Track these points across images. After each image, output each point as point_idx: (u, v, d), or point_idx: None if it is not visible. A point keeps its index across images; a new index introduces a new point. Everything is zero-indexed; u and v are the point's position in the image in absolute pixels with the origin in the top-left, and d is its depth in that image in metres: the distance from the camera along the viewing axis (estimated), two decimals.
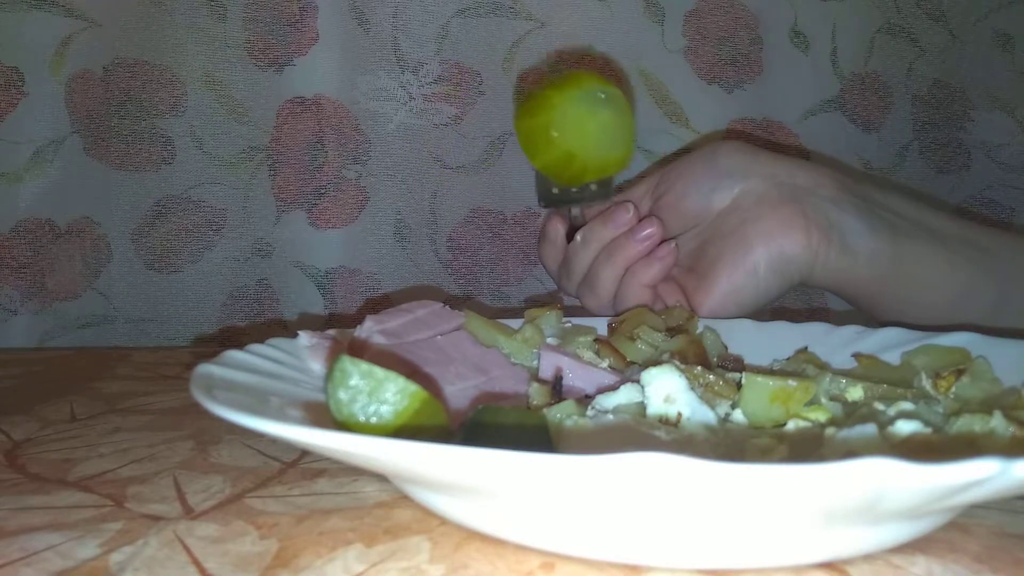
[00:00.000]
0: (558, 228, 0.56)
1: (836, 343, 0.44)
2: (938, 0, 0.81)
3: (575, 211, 0.55)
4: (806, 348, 0.43)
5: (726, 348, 0.45)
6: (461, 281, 0.78)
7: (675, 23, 0.78)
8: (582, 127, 0.49)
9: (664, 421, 0.31)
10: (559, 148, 0.49)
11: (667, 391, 0.31)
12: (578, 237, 0.54)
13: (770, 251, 0.50)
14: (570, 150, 0.49)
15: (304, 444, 0.24)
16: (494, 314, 0.48)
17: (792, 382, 0.32)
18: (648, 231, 0.52)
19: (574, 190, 0.52)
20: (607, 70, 0.77)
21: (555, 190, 0.53)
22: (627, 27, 0.77)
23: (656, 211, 0.54)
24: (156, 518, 0.29)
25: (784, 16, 0.79)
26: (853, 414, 0.33)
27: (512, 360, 0.42)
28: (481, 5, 0.76)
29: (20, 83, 0.70)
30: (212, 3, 0.73)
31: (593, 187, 0.52)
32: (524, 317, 0.47)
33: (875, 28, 0.81)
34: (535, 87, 0.51)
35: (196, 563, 0.25)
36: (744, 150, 0.53)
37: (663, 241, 0.52)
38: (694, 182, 0.53)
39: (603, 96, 0.49)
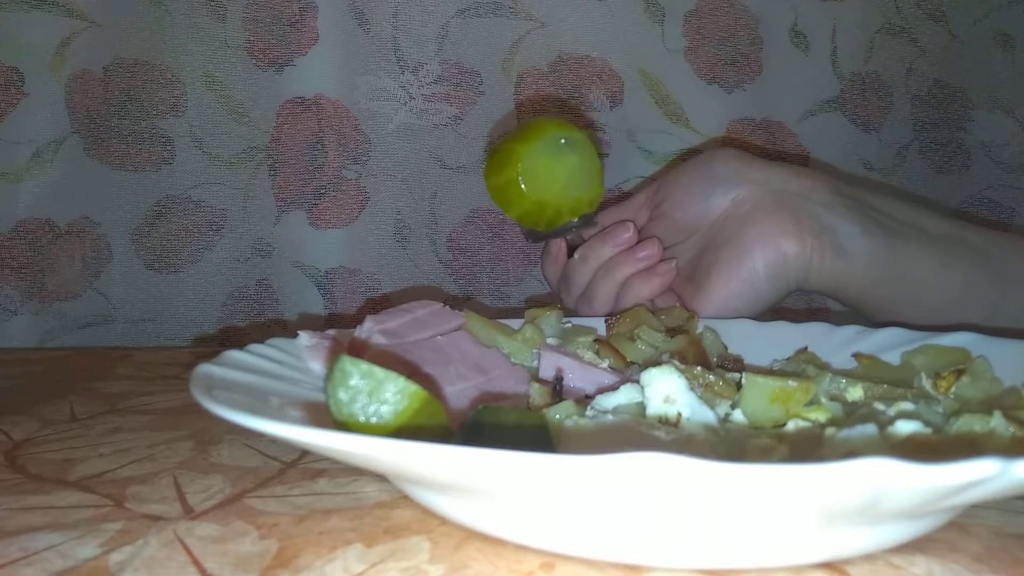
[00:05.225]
0: (561, 245, 0.57)
1: (836, 343, 0.44)
2: (938, 0, 0.82)
3: (571, 235, 0.56)
4: (806, 348, 0.43)
5: (726, 348, 0.45)
6: (461, 281, 0.78)
7: (675, 23, 0.78)
8: (549, 176, 0.51)
9: (664, 421, 0.31)
10: (529, 199, 0.51)
11: (667, 391, 0.31)
12: (577, 254, 0.55)
13: (766, 257, 0.50)
14: (540, 199, 0.51)
15: (304, 444, 0.24)
16: (494, 314, 0.48)
17: (792, 382, 0.32)
18: (647, 252, 0.53)
19: (555, 230, 0.54)
20: (606, 72, 0.77)
21: (539, 228, 0.54)
22: (627, 27, 0.77)
23: (654, 220, 0.55)
24: (156, 518, 0.29)
25: (784, 16, 0.79)
26: (853, 414, 0.33)
27: (512, 360, 0.42)
28: (481, 5, 0.76)
29: (20, 83, 0.70)
30: (212, 3, 0.73)
31: (575, 222, 0.54)
32: (524, 317, 0.47)
33: (875, 28, 0.81)
34: (499, 141, 0.53)
35: (196, 563, 0.25)
36: (738, 157, 0.54)
37: (663, 260, 0.53)
38: (690, 191, 0.54)
39: (565, 141, 0.52)
